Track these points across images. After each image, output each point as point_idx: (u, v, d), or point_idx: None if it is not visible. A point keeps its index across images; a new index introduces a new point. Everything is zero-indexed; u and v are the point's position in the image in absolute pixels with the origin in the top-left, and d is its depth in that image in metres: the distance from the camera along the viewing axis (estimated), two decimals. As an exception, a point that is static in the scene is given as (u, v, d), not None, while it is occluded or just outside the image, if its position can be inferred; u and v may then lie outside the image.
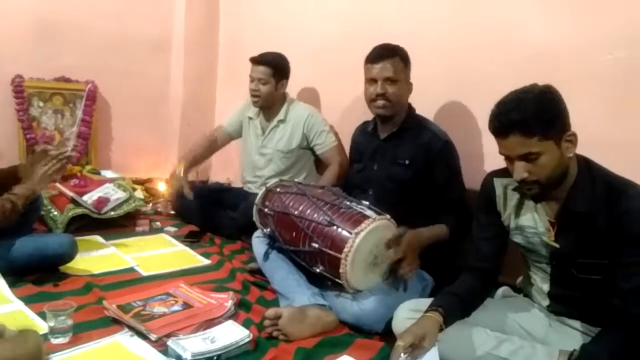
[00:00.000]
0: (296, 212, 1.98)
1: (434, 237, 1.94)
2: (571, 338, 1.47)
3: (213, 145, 3.00)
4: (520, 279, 1.74)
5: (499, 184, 1.57)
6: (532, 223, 1.51)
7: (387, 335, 1.72)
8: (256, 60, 2.71)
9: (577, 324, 1.50)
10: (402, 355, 1.36)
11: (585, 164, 1.43)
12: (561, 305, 1.52)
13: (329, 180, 2.58)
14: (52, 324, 1.61)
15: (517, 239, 1.57)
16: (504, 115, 1.35)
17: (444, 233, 1.96)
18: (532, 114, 1.32)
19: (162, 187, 3.42)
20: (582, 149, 1.43)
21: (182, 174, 2.81)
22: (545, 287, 1.55)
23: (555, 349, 1.43)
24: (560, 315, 1.53)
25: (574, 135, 1.38)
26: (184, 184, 2.79)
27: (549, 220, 1.48)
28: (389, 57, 2.05)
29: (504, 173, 1.54)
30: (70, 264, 2.13)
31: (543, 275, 1.56)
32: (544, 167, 1.35)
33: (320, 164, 2.83)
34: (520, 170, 1.36)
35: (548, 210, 1.48)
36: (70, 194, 2.67)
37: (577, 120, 1.41)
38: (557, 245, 1.46)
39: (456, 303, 1.52)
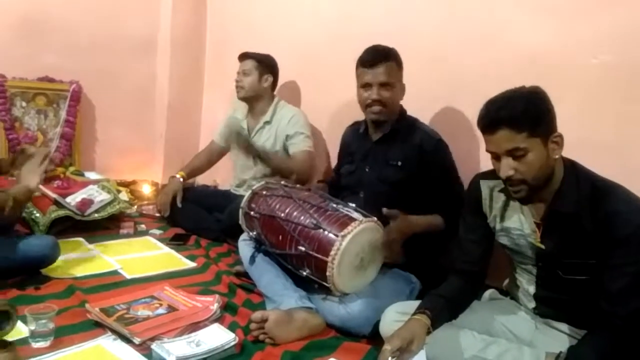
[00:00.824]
0: (282, 215, 1.97)
1: (427, 224, 1.95)
2: (557, 340, 1.47)
3: (211, 159, 3.09)
4: (506, 281, 1.74)
5: (485, 185, 1.59)
6: (518, 225, 1.52)
7: (375, 338, 1.71)
8: (242, 56, 2.81)
9: (563, 326, 1.50)
10: (389, 359, 1.36)
11: (571, 166, 1.45)
12: (547, 307, 1.53)
13: (291, 164, 2.60)
14: (32, 327, 1.58)
15: (503, 240, 1.58)
16: (493, 111, 1.37)
17: (439, 223, 1.97)
18: (521, 111, 1.34)
19: (146, 190, 3.38)
20: (567, 152, 1.44)
21: (180, 182, 2.89)
22: (531, 289, 1.56)
23: (541, 351, 1.42)
24: (547, 318, 1.54)
25: (561, 136, 1.40)
26: (178, 192, 2.84)
27: (534, 221, 1.49)
28: (384, 61, 2.01)
29: (490, 175, 1.56)
30: (52, 267, 2.09)
31: (529, 277, 1.56)
32: (530, 165, 1.36)
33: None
34: (507, 167, 1.38)
35: (534, 212, 1.49)
36: (53, 195, 2.62)
37: (563, 124, 1.42)
38: (543, 247, 1.47)
39: (443, 305, 1.53)
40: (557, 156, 1.40)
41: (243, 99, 2.80)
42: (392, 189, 2.06)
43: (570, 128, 1.48)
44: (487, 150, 1.43)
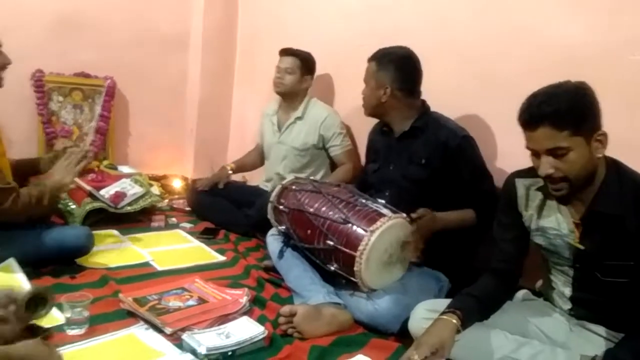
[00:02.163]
0: (311, 210, 1.97)
1: (456, 219, 1.93)
2: (593, 343, 1.43)
3: (258, 157, 3.12)
4: (539, 282, 1.71)
5: (520, 184, 1.55)
6: (555, 224, 1.48)
7: (403, 335, 1.70)
8: (285, 51, 2.79)
9: (599, 328, 1.46)
10: None
11: (614, 165, 1.40)
12: (583, 309, 1.49)
13: (340, 177, 2.60)
14: (68, 315, 1.62)
15: (539, 240, 1.54)
16: (535, 106, 1.32)
17: (469, 217, 1.95)
18: (565, 107, 1.29)
19: (177, 184, 3.44)
20: (607, 152, 1.40)
21: (228, 172, 2.97)
22: (567, 290, 1.52)
23: (576, 353, 1.40)
24: (582, 320, 1.50)
25: (605, 135, 1.35)
26: (222, 180, 2.90)
27: (573, 221, 1.45)
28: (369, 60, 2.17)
29: (526, 173, 1.52)
30: (86, 257, 2.15)
31: (565, 279, 1.53)
32: (572, 164, 1.32)
33: (335, 167, 2.82)
34: (547, 165, 1.33)
35: (572, 212, 1.45)
36: (88, 188, 2.68)
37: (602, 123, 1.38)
38: (582, 247, 1.42)
39: (474, 305, 1.48)
40: (600, 155, 1.35)
41: (279, 93, 2.82)
42: (417, 187, 2.04)
43: (607, 127, 1.42)
44: (527, 147, 1.38)
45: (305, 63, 2.77)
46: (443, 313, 1.45)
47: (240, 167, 3.10)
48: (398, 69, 2.06)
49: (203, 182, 2.96)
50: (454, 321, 1.41)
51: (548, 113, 1.30)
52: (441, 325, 1.41)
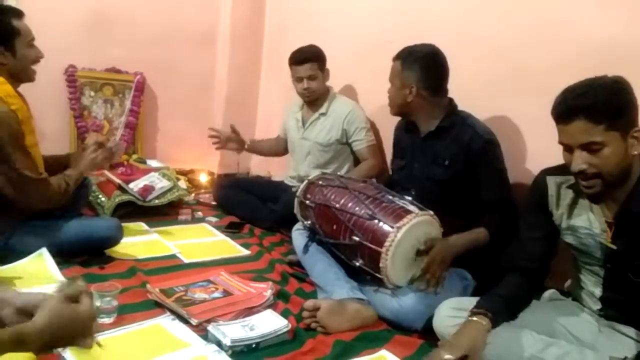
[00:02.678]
0: (337, 205, 1.97)
1: (469, 242, 1.87)
2: (622, 345, 1.40)
3: (276, 149, 3.09)
4: (568, 282, 1.67)
5: (552, 182, 1.51)
6: (587, 224, 1.45)
7: (427, 333, 1.69)
8: (299, 60, 2.69)
9: (629, 330, 1.42)
10: None
11: None
12: (614, 309, 1.45)
13: (363, 173, 2.59)
14: (98, 304, 1.65)
15: (569, 239, 1.51)
16: (571, 99, 1.29)
17: (483, 237, 1.89)
18: (602, 100, 1.26)
19: (203, 179, 3.48)
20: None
21: (243, 140, 2.91)
22: (597, 291, 1.48)
23: (605, 355, 1.36)
24: (612, 320, 1.46)
25: None
26: (233, 139, 2.87)
27: (606, 221, 1.41)
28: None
29: (557, 171, 1.49)
30: (115, 248, 2.19)
31: (595, 279, 1.49)
32: (606, 160, 1.28)
33: (359, 162, 2.81)
34: (579, 160, 1.30)
35: (605, 211, 1.41)
36: (118, 181, 2.75)
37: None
38: (615, 247, 1.39)
39: (502, 306, 1.46)
40: (636, 152, 1.31)
41: (310, 101, 2.78)
42: (440, 188, 2.01)
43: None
44: (560, 142, 1.35)
45: (320, 60, 2.71)
46: (473, 314, 1.43)
47: (255, 147, 3.04)
48: (423, 68, 2.02)
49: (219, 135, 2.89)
50: (484, 323, 1.39)
51: (584, 106, 1.26)
52: (472, 327, 1.39)
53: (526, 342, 1.42)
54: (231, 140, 2.89)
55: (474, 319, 1.41)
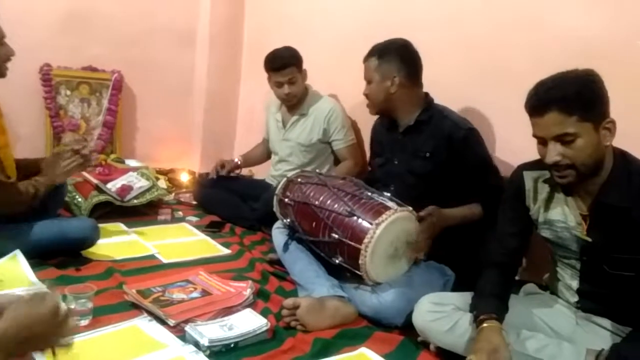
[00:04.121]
0: (316, 203, 1.96)
1: (462, 216, 1.93)
2: (599, 337, 1.41)
3: (267, 152, 3.08)
4: (546, 275, 1.68)
5: (529, 177, 1.53)
6: (562, 217, 1.46)
7: (407, 329, 1.69)
8: (278, 67, 2.64)
9: (606, 322, 1.44)
10: None
11: (621, 156, 1.38)
12: (590, 301, 1.47)
13: (342, 174, 2.57)
14: (72, 306, 1.61)
15: (546, 233, 1.52)
16: (543, 92, 1.31)
17: (476, 212, 1.94)
18: (574, 92, 1.28)
19: (184, 178, 3.44)
20: (615, 143, 1.37)
21: (236, 161, 2.98)
22: (574, 283, 1.50)
23: (582, 347, 1.38)
24: (589, 312, 1.48)
25: (613, 122, 1.32)
26: (228, 164, 2.93)
27: (580, 214, 1.42)
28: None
29: (534, 166, 1.51)
30: (92, 249, 2.15)
31: (572, 272, 1.50)
32: (579, 151, 1.30)
33: (339, 162, 2.80)
34: (553, 152, 1.31)
35: (580, 204, 1.43)
36: (95, 181, 2.70)
37: (612, 114, 1.35)
38: (590, 240, 1.40)
39: (500, 305, 1.46)
40: (608, 143, 1.33)
41: (292, 105, 2.76)
42: (422, 181, 2.03)
43: (620, 117, 1.39)
44: (534, 135, 1.36)
45: (299, 62, 2.68)
46: (481, 322, 1.42)
47: (247, 160, 3.09)
48: (401, 57, 2.05)
49: (213, 169, 2.96)
50: (497, 326, 1.39)
51: (556, 98, 1.28)
52: (489, 332, 1.38)
53: (505, 336, 1.42)
54: (224, 168, 2.92)
55: (485, 325, 1.40)
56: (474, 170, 1.96)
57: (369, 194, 1.92)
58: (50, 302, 0.95)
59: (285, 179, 2.21)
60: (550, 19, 2.04)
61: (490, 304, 1.46)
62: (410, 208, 1.83)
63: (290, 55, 2.67)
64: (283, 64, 2.64)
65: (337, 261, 1.86)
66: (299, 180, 2.14)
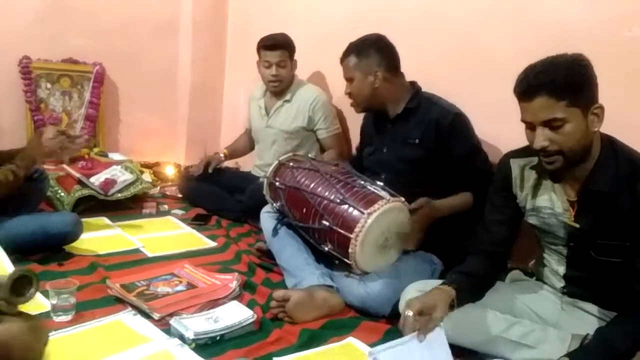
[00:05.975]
0: (308, 188, 1.93)
1: (453, 206, 1.93)
2: (584, 322, 1.42)
3: (250, 143, 3.05)
4: (532, 262, 1.69)
5: (515, 164, 1.52)
6: (549, 204, 1.45)
7: (394, 318, 1.68)
8: (271, 46, 2.64)
9: (591, 307, 1.45)
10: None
11: (609, 142, 1.37)
12: (577, 287, 1.47)
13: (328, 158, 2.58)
14: (54, 301, 1.60)
15: (533, 220, 1.51)
16: (532, 76, 1.30)
17: (468, 201, 1.94)
18: (563, 76, 1.27)
19: (170, 171, 3.40)
20: (602, 129, 1.37)
21: (221, 157, 2.91)
22: (561, 269, 1.50)
23: (567, 332, 1.38)
24: (575, 298, 1.48)
25: (602, 108, 1.32)
26: (214, 161, 2.85)
27: (568, 200, 1.42)
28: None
29: (520, 153, 1.50)
30: (75, 244, 2.12)
31: (559, 258, 1.50)
32: (567, 136, 1.29)
33: (324, 150, 2.79)
34: (541, 137, 1.30)
35: (568, 190, 1.42)
36: (77, 175, 2.66)
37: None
38: (577, 225, 1.40)
39: (468, 284, 1.45)
40: (596, 129, 1.32)
41: (278, 91, 2.74)
42: (412, 168, 2.02)
43: (603, 104, 1.40)
44: (522, 120, 1.35)
45: (291, 48, 2.68)
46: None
47: (232, 152, 3.05)
48: (380, 51, 2.05)
49: (195, 167, 2.92)
50: (449, 290, 1.38)
51: (545, 82, 1.27)
52: (436, 291, 1.39)
53: (491, 322, 1.43)
54: (209, 164, 2.85)
55: (438, 287, 1.42)
56: (462, 155, 1.96)
57: (362, 182, 1.90)
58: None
59: (276, 161, 2.18)
60: (531, 5, 2.04)
61: (454, 277, 1.46)
62: (403, 199, 1.81)
63: (285, 40, 2.68)
64: (276, 44, 2.65)
65: (326, 249, 1.85)
66: (291, 164, 2.11)
